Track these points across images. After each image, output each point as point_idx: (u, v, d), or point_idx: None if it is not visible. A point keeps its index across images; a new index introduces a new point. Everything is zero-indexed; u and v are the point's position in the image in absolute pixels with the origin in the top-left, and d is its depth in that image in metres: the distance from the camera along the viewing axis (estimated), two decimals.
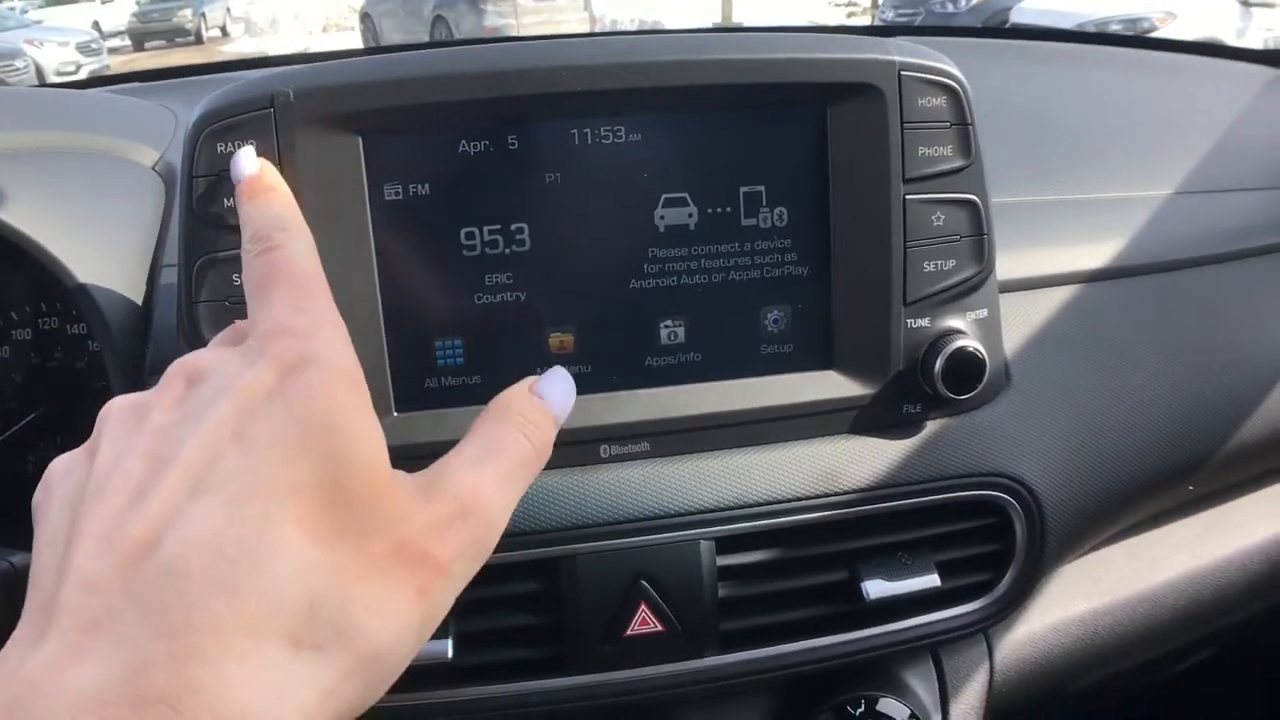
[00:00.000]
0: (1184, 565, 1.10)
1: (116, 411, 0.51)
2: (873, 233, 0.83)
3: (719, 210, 0.82)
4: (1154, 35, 7.91)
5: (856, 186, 0.83)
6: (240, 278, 0.75)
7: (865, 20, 14.29)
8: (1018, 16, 9.91)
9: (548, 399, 0.59)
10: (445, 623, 0.81)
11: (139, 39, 17.91)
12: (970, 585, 0.92)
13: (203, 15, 18.38)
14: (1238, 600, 1.14)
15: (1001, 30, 5.26)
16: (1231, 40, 8.69)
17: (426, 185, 0.78)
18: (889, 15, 12.42)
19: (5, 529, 0.95)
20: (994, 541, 0.92)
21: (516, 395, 0.59)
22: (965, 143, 0.84)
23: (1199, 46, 1.96)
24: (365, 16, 15.20)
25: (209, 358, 0.52)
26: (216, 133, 0.75)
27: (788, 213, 0.83)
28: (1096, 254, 1.04)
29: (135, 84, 1.64)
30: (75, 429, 1.00)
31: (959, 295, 0.87)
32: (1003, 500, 0.90)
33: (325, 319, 0.52)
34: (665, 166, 0.80)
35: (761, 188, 0.82)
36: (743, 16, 13.04)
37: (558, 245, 0.80)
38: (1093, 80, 1.56)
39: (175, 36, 18.05)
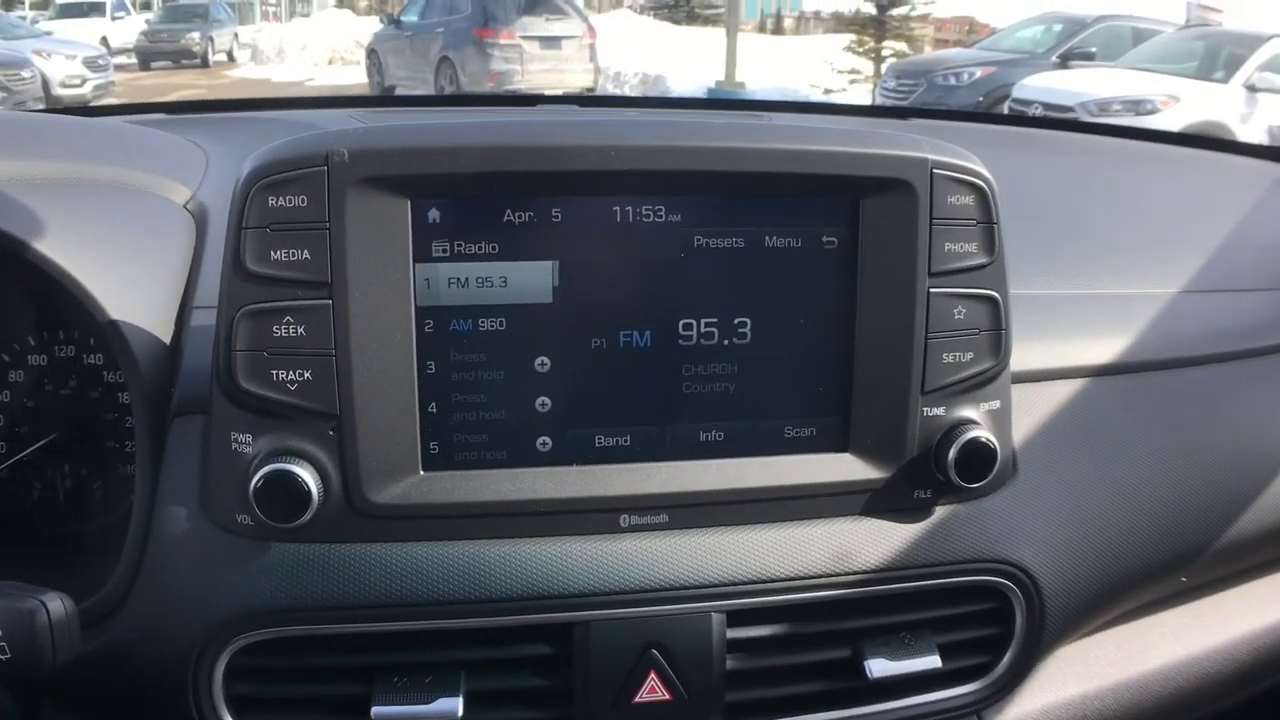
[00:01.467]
0: (1173, 654, 1.10)
1: None
2: (896, 323, 0.85)
3: (749, 295, 0.84)
4: (1157, 123, 7.94)
5: (884, 277, 0.84)
6: (283, 330, 0.77)
7: (867, 88, 14.37)
8: (1020, 93, 10.00)
9: None
10: (456, 680, 0.83)
11: (145, 58, 17.93)
12: (969, 667, 0.94)
13: (210, 39, 18.44)
14: (1223, 689, 1.14)
15: (1006, 117, 5.32)
16: (1235, 125, 8.73)
17: (466, 249, 0.79)
18: (890, 85, 12.48)
19: (12, 552, 0.98)
20: (994, 625, 0.94)
21: None
22: (990, 241, 0.86)
23: (1204, 141, 1.98)
24: (371, 52, 15.24)
25: None
26: (269, 186, 0.76)
27: (815, 298, 0.84)
28: (1103, 350, 1.06)
29: (161, 116, 1.64)
30: (84, 458, 1.01)
31: (975, 386, 0.89)
32: (1004, 586, 0.92)
33: None
34: (701, 249, 0.82)
35: (795, 278, 0.84)
36: (745, 77, 13.12)
37: (595, 321, 0.82)
38: (1100, 172, 1.58)
39: (181, 58, 18.09)
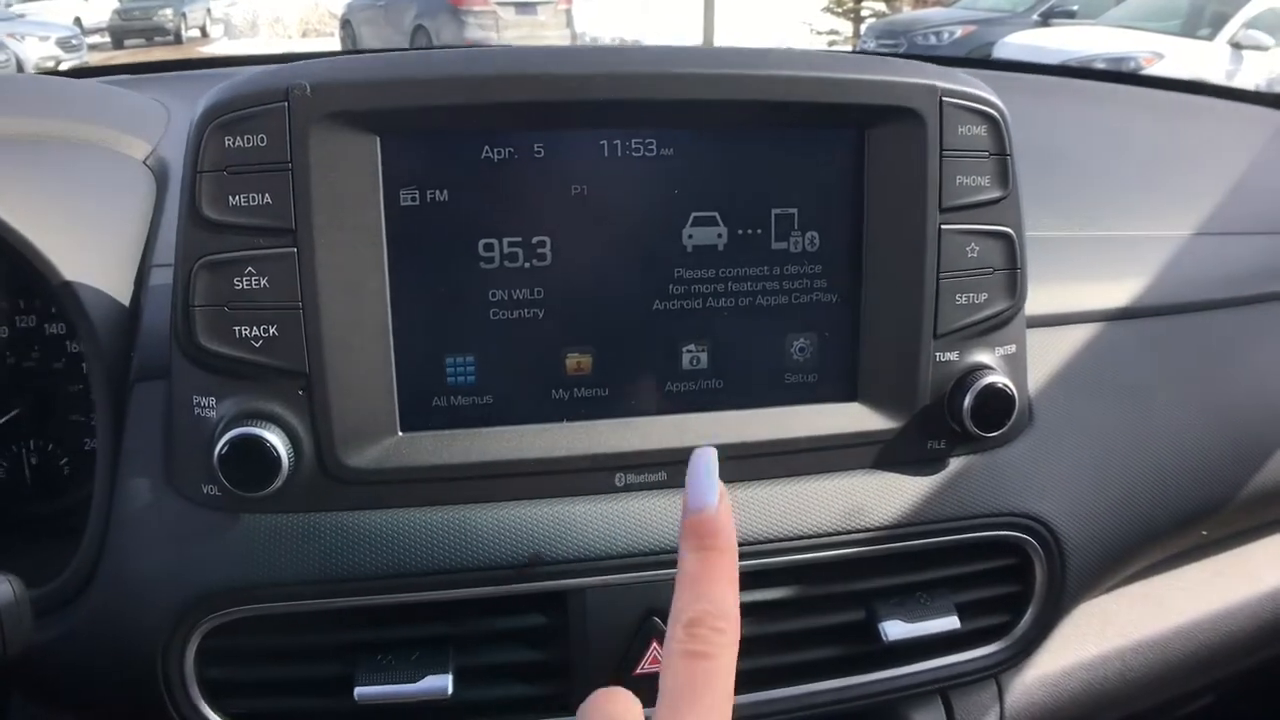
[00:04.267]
0: (1193, 610, 1.08)
1: None
2: (906, 262, 0.81)
3: (749, 232, 0.79)
4: (1174, 77, 7.95)
5: (892, 213, 0.80)
6: (244, 282, 0.72)
7: (846, 49, 14.40)
8: (1001, 51, 9.96)
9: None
10: (444, 656, 0.77)
11: (119, 36, 17.81)
12: (988, 627, 0.91)
13: (183, 15, 18.31)
14: (1245, 647, 1.12)
15: (992, 62, 5.28)
16: (1220, 83, 8.73)
17: (445, 191, 0.74)
18: (871, 45, 12.48)
19: None
20: (1013, 582, 0.91)
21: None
22: (1004, 174, 0.82)
23: (1202, 86, 1.96)
24: (345, 23, 15.17)
25: None
26: (225, 125, 0.70)
27: (819, 237, 0.80)
28: (1117, 293, 1.02)
29: (125, 76, 1.59)
30: (49, 433, 0.96)
31: (989, 330, 0.85)
32: (1024, 541, 0.88)
33: None
34: (696, 184, 0.77)
35: (794, 210, 0.79)
36: (723, 39, 13.10)
37: (580, 261, 0.77)
38: (1100, 116, 1.55)
39: (155, 35, 17.96)
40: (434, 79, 0.72)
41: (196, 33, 18.62)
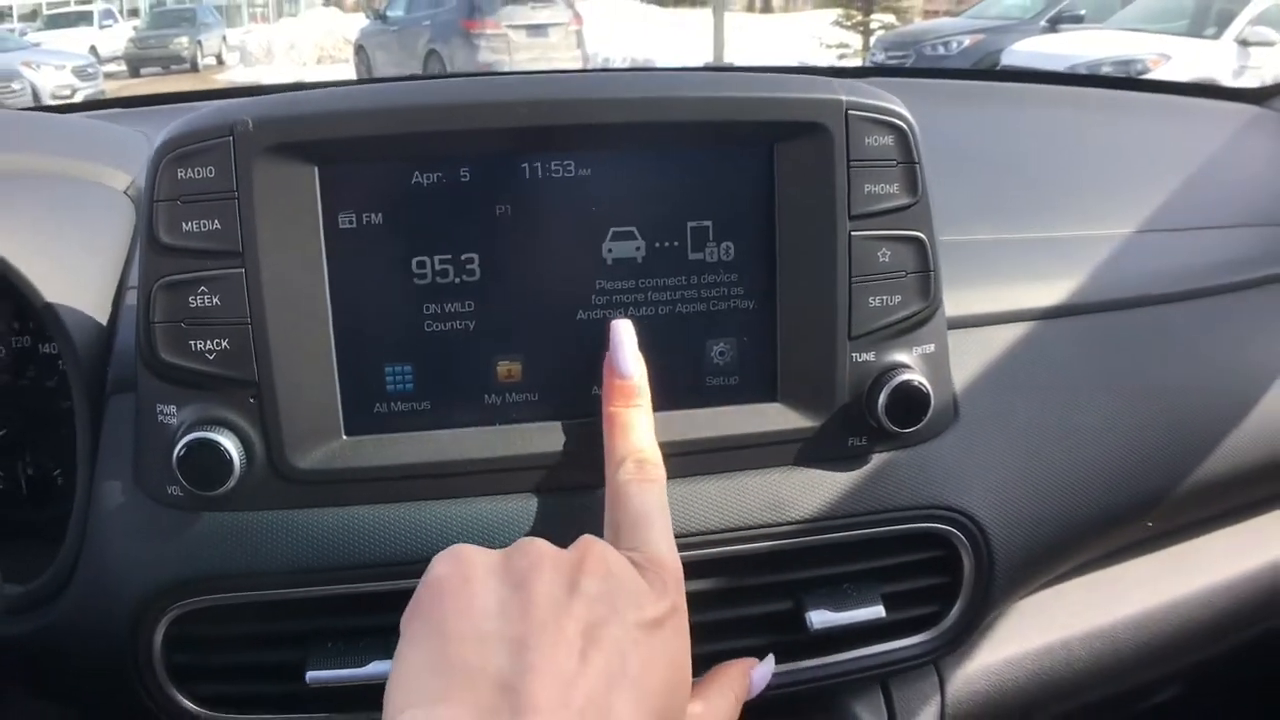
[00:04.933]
0: (1144, 602, 1.10)
1: (550, 568, 0.62)
2: (818, 268, 0.85)
3: (666, 244, 0.83)
4: (1145, 77, 7.88)
5: (803, 222, 0.84)
6: (198, 300, 0.78)
7: (856, 62, 14.36)
8: (1009, 59, 9.96)
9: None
10: (391, 643, 0.80)
11: (135, 65, 17.93)
12: (917, 617, 0.93)
13: (199, 43, 18.43)
14: (1202, 638, 1.14)
15: (992, 73, 5.29)
16: (1228, 81, 8.60)
17: (380, 215, 0.79)
18: (880, 58, 12.47)
19: None
20: (941, 574, 0.93)
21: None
22: (912, 180, 0.85)
23: (1186, 87, 1.97)
24: (359, 49, 15.28)
25: (620, 562, 0.64)
26: (177, 159, 0.76)
27: (734, 247, 0.84)
28: (1050, 292, 1.05)
29: (117, 110, 1.66)
30: (42, 449, 1.01)
31: (905, 330, 0.88)
32: (949, 533, 0.91)
33: None
34: (614, 201, 0.82)
35: (709, 223, 0.83)
36: (734, 57, 13.11)
37: (507, 276, 0.82)
38: (1071, 122, 1.57)
39: (171, 64, 18.07)
40: (363, 111, 0.78)
41: (212, 60, 18.73)
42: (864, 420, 0.88)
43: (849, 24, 15.61)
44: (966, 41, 11.65)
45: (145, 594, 0.81)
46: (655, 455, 0.75)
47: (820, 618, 0.88)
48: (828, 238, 0.84)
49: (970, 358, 0.98)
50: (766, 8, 27.90)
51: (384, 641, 0.83)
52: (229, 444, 0.78)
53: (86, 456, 0.86)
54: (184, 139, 0.77)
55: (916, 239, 0.87)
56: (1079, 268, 1.08)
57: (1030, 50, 9.89)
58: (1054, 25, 11.47)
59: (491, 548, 0.74)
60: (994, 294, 1.03)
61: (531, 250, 0.82)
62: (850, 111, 0.83)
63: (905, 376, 0.85)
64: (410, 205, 0.80)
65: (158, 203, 0.77)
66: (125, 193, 1.11)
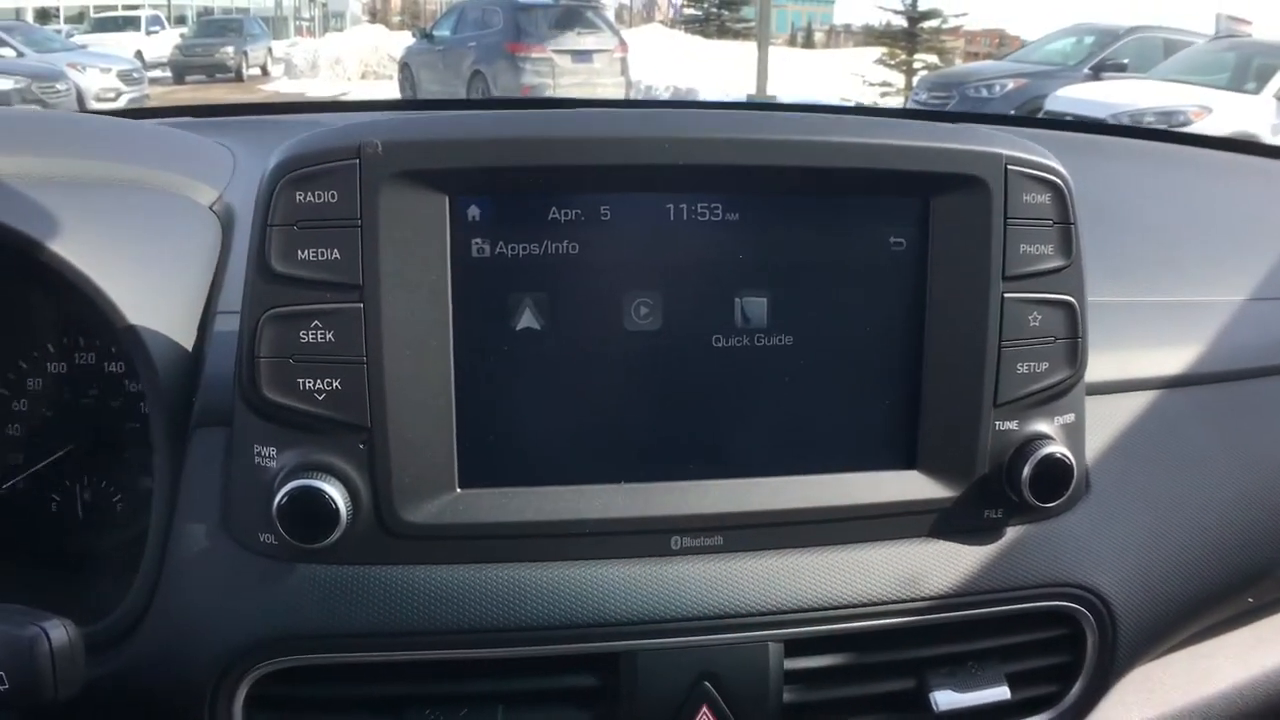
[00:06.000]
0: (1236, 676, 1.05)
1: None
2: (968, 330, 0.80)
3: (807, 295, 0.79)
4: (1191, 130, 7.87)
5: (955, 281, 0.80)
6: (310, 335, 0.72)
7: (898, 100, 14.40)
8: (1052, 105, 9.95)
9: None
10: (493, 714, 0.77)
11: (180, 72, 18.08)
12: (1037, 697, 0.89)
13: (244, 54, 18.58)
14: None
15: (1043, 121, 5.26)
16: (1267, 136, 8.64)
17: (511, 250, 0.74)
18: (922, 97, 12.48)
19: (29, 567, 0.93)
20: (1064, 653, 0.89)
21: None
22: (1067, 242, 0.81)
23: (1243, 145, 1.94)
24: (404, 66, 15.35)
25: None
26: (297, 180, 0.71)
27: (880, 303, 0.80)
28: (1176, 359, 1.01)
29: (188, 119, 1.61)
30: (104, 470, 0.97)
31: (1049, 399, 0.84)
32: (1077, 611, 0.87)
33: None
34: (760, 248, 0.77)
35: (854, 276, 0.79)
36: (776, 90, 13.14)
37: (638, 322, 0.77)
38: (1158, 177, 1.54)
39: (216, 72, 18.22)
40: (506, 140, 0.73)
41: (257, 71, 18.88)
42: (1002, 492, 0.83)
43: (893, 63, 15.70)
44: (1010, 85, 11.65)
45: (229, 649, 0.76)
46: None
47: (945, 698, 0.83)
48: (980, 298, 0.80)
49: (1097, 427, 0.93)
50: (809, 42, 28.09)
51: (487, 711, 0.78)
52: (335, 493, 0.72)
53: (165, 491, 0.80)
54: (306, 159, 0.72)
55: (1068, 304, 0.83)
56: (1199, 334, 1.04)
57: (1074, 96, 9.88)
58: (1097, 73, 11.50)
59: (605, 615, 0.69)
60: (1119, 360, 0.98)
61: (669, 296, 0.77)
62: (1010, 166, 0.79)
63: (1050, 449, 0.81)
64: (544, 242, 0.75)
65: (272, 227, 0.72)
66: (211, 208, 1.05)
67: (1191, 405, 1.00)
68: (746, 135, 0.75)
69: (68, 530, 0.96)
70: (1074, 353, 0.83)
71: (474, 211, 0.73)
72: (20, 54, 12.63)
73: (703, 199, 0.75)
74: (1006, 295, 0.80)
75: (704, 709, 0.78)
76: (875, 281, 0.79)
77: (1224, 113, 8.93)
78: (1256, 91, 9.27)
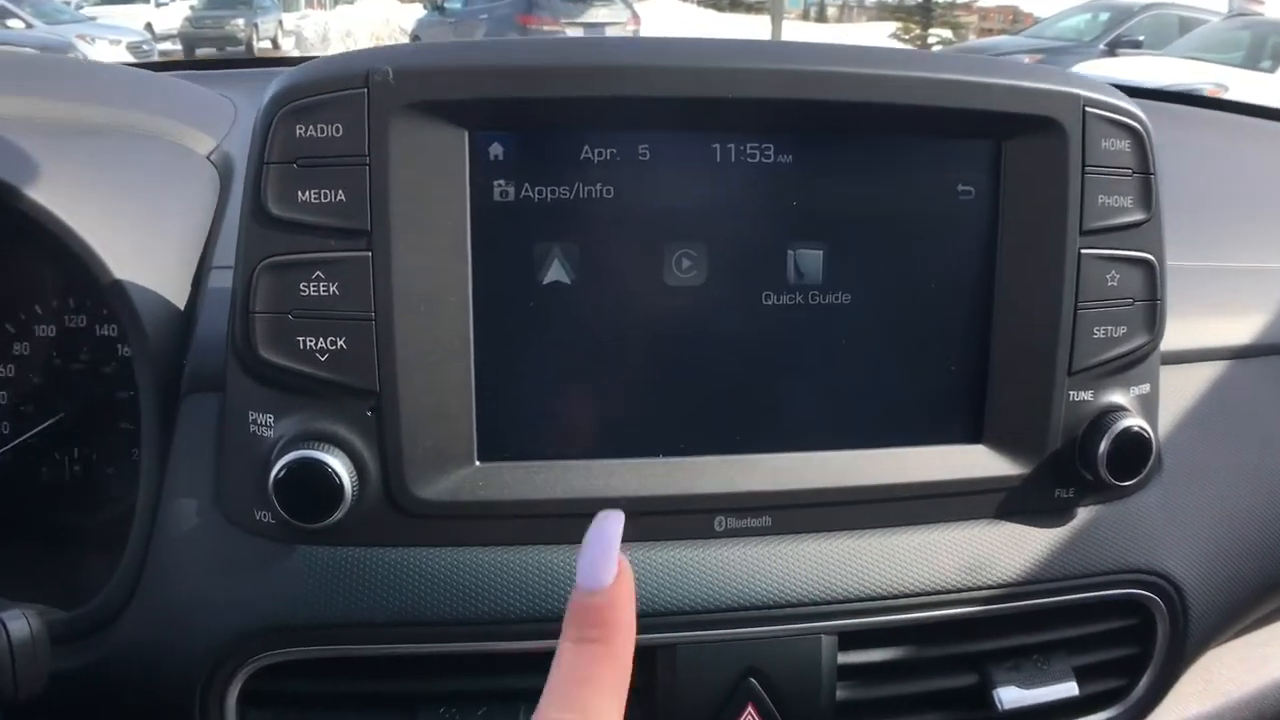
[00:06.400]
0: None
1: None
2: (1042, 290, 0.74)
3: (867, 251, 0.73)
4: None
5: (1028, 235, 0.73)
6: (311, 288, 0.66)
7: None
8: None
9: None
10: (515, 713, 0.71)
11: (190, 44, 18.13)
12: (1103, 692, 0.84)
13: (255, 26, 18.60)
14: None
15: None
16: None
17: (537, 192, 0.67)
18: None
19: (15, 545, 0.88)
20: (1132, 644, 0.84)
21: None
22: (1147, 194, 0.76)
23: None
24: (415, 39, 15.38)
25: None
26: (297, 111, 0.64)
27: (946, 260, 0.73)
28: (1246, 328, 0.96)
29: (194, 71, 1.54)
30: (95, 440, 0.91)
31: (1124, 367, 0.78)
32: (1148, 599, 0.82)
33: None
34: (817, 195, 0.71)
35: (917, 228, 0.73)
36: None
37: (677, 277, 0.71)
38: (1201, 142, 1.48)
39: (226, 44, 18.26)
40: (533, 68, 0.66)
41: (268, 44, 18.89)
42: (1074, 469, 0.77)
43: (907, 37, 15.75)
44: (1026, 60, 11.64)
45: (222, 639, 0.69)
46: None
47: (1010, 695, 0.78)
48: (1056, 254, 0.74)
49: (1168, 399, 0.87)
50: (821, 17, 28.03)
51: (508, 709, 0.71)
52: (339, 466, 0.65)
53: (154, 464, 0.74)
54: (307, 88, 0.64)
55: (1147, 262, 0.77)
56: (1270, 302, 0.99)
57: (1091, 74, 9.85)
58: (1112, 50, 11.49)
59: (640, 605, 0.63)
60: (1189, 328, 0.92)
61: (716, 248, 0.70)
62: (1087, 109, 0.73)
63: (1127, 422, 0.75)
64: (576, 184, 0.68)
65: (269, 165, 0.65)
66: (208, 158, 0.99)
67: (1263, 376, 0.95)
68: (804, 66, 0.68)
69: (56, 505, 0.91)
70: (1152, 316, 0.78)
71: (496, 149, 0.66)
72: (29, 25, 12.65)
73: (753, 139, 0.68)
74: (1084, 251, 0.74)
75: (749, 708, 0.73)
76: (942, 234, 0.73)
77: (1239, 91, 8.94)
78: (1271, 70, 9.37)
